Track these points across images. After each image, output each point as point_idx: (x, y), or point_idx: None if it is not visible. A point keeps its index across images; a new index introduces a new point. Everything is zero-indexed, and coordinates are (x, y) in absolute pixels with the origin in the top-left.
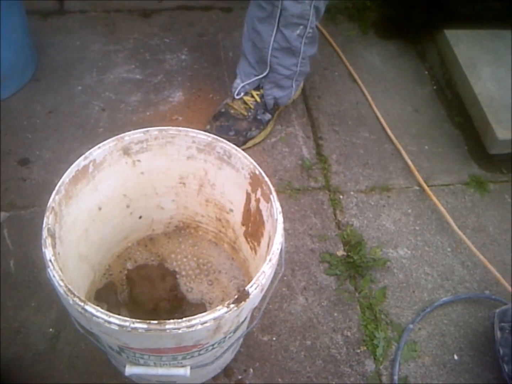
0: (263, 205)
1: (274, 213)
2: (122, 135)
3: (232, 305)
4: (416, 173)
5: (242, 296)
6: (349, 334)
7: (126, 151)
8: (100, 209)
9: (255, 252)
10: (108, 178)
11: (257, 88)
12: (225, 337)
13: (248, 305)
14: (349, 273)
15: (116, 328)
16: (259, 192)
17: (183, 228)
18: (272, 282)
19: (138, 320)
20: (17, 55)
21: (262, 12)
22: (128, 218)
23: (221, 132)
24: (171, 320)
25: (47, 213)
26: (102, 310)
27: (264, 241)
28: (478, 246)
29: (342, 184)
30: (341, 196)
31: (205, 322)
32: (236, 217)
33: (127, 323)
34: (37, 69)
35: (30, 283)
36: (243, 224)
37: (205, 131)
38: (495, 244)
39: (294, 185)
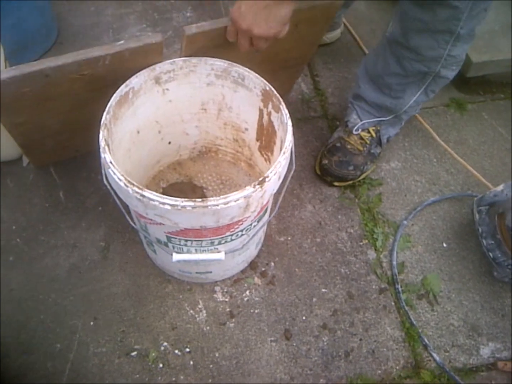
0: (274, 116)
1: (284, 118)
2: (153, 66)
3: (257, 186)
4: None
5: (264, 179)
6: (352, 231)
7: (157, 80)
8: (138, 132)
9: (269, 161)
10: (143, 104)
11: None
12: (251, 224)
13: (269, 188)
14: (349, 184)
15: (169, 207)
16: (270, 106)
17: (206, 152)
18: (285, 178)
19: (186, 199)
20: (41, 20)
21: (407, 78)
22: (160, 143)
23: (341, 167)
24: (211, 198)
25: (102, 128)
26: (157, 194)
27: (276, 148)
28: (460, 155)
29: (338, 112)
30: (338, 123)
31: (238, 200)
32: (251, 135)
33: (178, 202)
34: (59, 34)
35: (78, 208)
36: (257, 140)
37: (322, 165)
38: (475, 153)
39: (296, 116)
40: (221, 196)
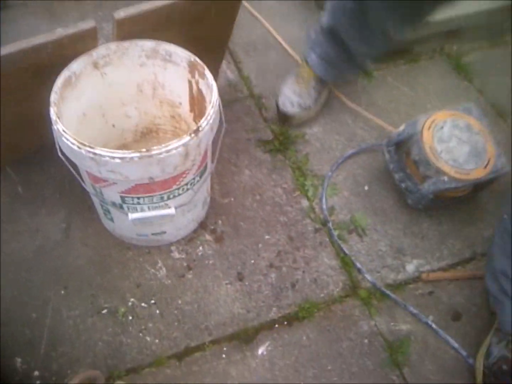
0: (201, 83)
1: (209, 81)
2: (90, 51)
3: (192, 134)
4: None
5: (198, 128)
6: (286, 186)
7: (95, 65)
8: (84, 115)
9: None
10: (86, 89)
11: None
12: (194, 178)
13: (203, 137)
14: (279, 149)
15: (119, 161)
16: (196, 75)
17: (147, 133)
18: (217, 137)
19: (133, 151)
20: None
21: None
22: (105, 126)
23: None
24: (155, 147)
25: (52, 106)
26: (107, 149)
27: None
28: (371, 115)
29: (262, 91)
30: (263, 100)
31: (178, 147)
32: (185, 108)
33: (126, 155)
34: None
35: (37, 198)
36: (191, 111)
37: None
38: (385, 111)
39: (225, 98)
40: (163, 145)
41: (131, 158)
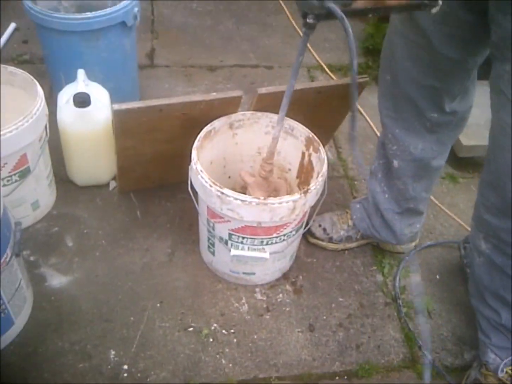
0: (313, 156)
1: (322, 155)
2: (230, 115)
3: (302, 194)
4: None
5: (308, 189)
6: (364, 260)
7: (230, 126)
8: (211, 163)
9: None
10: (219, 142)
11: None
12: (291, 232)
13: (310, 198)
14: None
15: (240, 202)
16: (311, 149)
17: None
18: (317, 203)
19: (252, 197)
20: (132, 86)
21: None
22: (222, 176)
23: None
24: (270, 198)
25: (194, 150)
26: (233, 192)
27: (313, 180)
28: (452, 214)
29: (356, 174)
30: (355, 182)
31: (288, 201)
32: (293, 174)
33: (247, 198)
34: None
35: (151, 224)
36: (297, 177)
37: None
38: (464, 214)
39: None
40: (278, 197)
41: (250, 202)
